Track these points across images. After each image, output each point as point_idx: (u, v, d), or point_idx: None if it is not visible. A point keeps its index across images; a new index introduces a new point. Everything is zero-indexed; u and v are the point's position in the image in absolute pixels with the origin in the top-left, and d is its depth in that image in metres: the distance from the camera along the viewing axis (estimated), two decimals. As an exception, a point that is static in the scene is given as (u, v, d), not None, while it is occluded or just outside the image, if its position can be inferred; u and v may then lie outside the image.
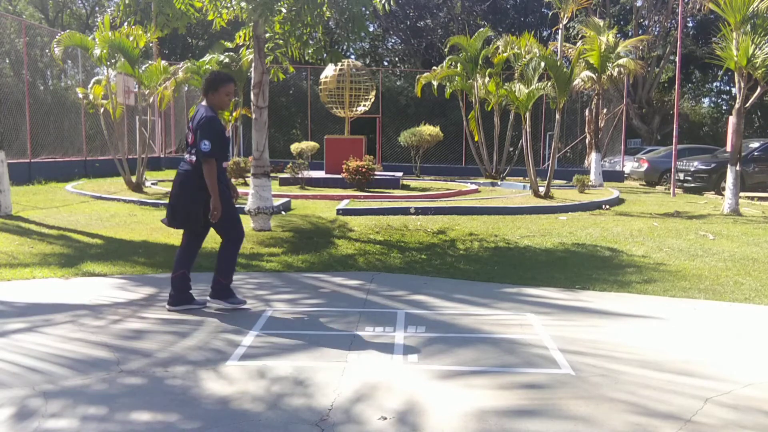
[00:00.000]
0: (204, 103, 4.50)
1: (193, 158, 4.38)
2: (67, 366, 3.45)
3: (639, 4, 28.75)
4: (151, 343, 3.83)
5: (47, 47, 18.00)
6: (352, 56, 29.73)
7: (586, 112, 19.49)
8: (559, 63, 12.47)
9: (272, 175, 10.87)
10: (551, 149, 14.45)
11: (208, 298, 4.64)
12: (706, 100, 35.30)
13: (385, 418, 2.86)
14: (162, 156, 21.74)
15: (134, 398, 3.04)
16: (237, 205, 4.60)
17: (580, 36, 19.25)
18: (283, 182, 14.55)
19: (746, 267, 6.37)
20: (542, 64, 12.04)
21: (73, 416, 2.84)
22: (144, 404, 2.98)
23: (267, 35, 8.35)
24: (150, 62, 15.02)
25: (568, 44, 18.94)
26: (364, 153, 15.36)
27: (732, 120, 11.87)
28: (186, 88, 21.52)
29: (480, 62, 17.23)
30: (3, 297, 4.87)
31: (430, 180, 17.95)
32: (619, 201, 12.91)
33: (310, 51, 8.58)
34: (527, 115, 12.49)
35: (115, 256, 6.33)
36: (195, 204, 4.41)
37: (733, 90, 19.63)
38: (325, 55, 8.69)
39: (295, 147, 19.46)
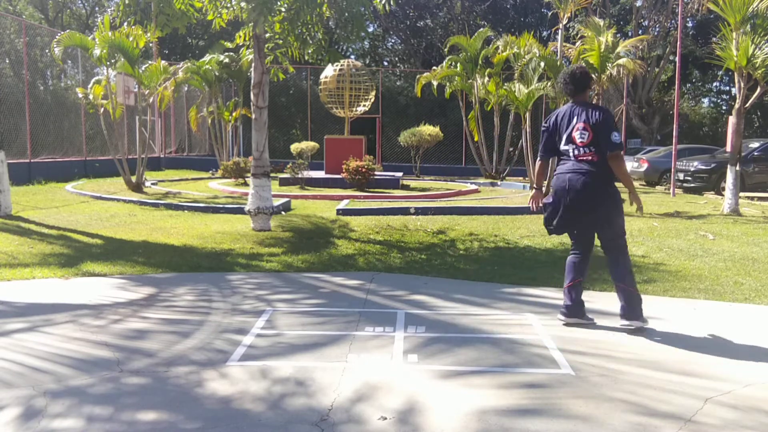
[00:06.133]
0: (575, 100, 4.38)
1: (590, 156, 4.18)
2: (69, 366, 3.46)
3: (639, 4, 28.73)
4: (153, 343, 3.84)
5: (47, 47, 18.00)
6: (352, 56, 29.74)
7: (586, 112, 19.47)
8: (558, 63, 12.48)
9: (272, 175, 10.88)
10: (551, 149, 14.41)
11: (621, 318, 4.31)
12: (706, 100, 35.28)
13: (386, 418, 2.86)
14: (162, 156, 21.74)
15: (137, 398, 3.05)
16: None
17: (579, 36, 19.20)
18: (283, 182, 14.55)
19: (746, 267, 6.37)
20: (542, 64, 12.06)
21: (77, 416, 2.85)
22: (146, 404, 2.99)
23: (267, 35, 8.36)
24: (150, 62, 15.04)
25: (567, 44, 18.87)
26: (364, 153, 15.37)
27: (732, 120, 11.87)
28: (186, 88, 21.55)
29: (480, 62, 17.24)
30: (3, 297, 4.87)
31: (430, 180, 17.96)
32: (618, 201, 12.88)
33: (309, 51, 8.59)
34: (527, 115, 12.51)
35: (115, 256, 6.34)
36: (619, 204, 4.23)
37: (733, 90, 19.64)
38: (324, 54, 8.70)
39: (295, 147, 19.47)
